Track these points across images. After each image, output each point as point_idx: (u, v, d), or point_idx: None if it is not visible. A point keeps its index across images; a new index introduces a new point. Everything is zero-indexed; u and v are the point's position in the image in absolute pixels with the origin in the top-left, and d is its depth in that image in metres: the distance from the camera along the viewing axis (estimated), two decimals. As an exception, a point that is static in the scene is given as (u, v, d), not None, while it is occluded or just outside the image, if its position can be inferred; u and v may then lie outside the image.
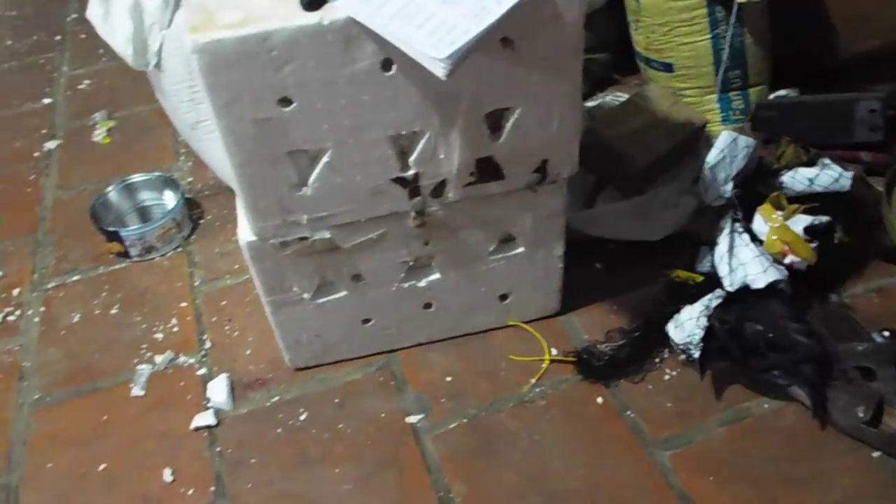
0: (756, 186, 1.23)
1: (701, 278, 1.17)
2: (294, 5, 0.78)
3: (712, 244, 1.18)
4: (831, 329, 1.10)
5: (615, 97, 1.49)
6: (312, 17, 0.77)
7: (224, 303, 1.26)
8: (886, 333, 1.06)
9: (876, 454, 0.97)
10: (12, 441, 1.08)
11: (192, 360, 1.17)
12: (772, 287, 1.09)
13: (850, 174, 1.20)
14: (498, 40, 0.82)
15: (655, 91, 1.34)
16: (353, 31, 0.78)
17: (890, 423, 0.97)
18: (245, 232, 0.95)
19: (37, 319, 1.26)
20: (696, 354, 1.05)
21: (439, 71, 0.74)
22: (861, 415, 0.97)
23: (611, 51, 1.61)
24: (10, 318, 1.27)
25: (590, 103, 1.48)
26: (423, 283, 1.06)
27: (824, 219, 1.16)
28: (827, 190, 1.20)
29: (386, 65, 0.81)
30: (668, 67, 1.43)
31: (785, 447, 0.99)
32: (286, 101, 0.82)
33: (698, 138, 1.32)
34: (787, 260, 1.13)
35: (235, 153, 0.85)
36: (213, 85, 0.78)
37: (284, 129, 0.84)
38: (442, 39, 0.73)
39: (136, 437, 1.07)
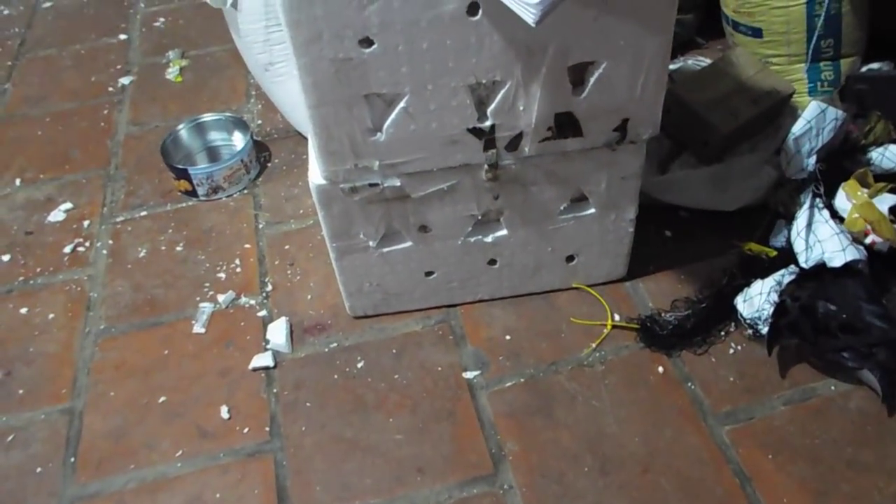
0: (841, 161, 1.18)
1: (774, 253, 1.13)
2: (383, -58, 0.76)
3: (790, 218, 1.14)
4: (911, 314, 1.05)
5: (697, 61, 1.43)
6: (401, -45, 0.75)
7: (287, 247, 1.27)
8: (969, 322, 1.02)
9: (948, 446, 0.94)
10: (78, 368, 1.11)
11: (253, 302, 1.18)
12: (849, 267, 1.04)
13: (945, 154, 1.14)
14: (591, -11, 0.79)
15: (741, 56, 1.28)
16: (442, -28, 0.75)
17: (966, 415, 0.93)
18: (315, 175, 0.94)
19: (105, 252, 1.29)
20: (764, 330, 1.02)
21: (529, 17, 0.71)
22: (935, 403, 0.93)
23: (696, 13, 1.55)
24: (80, 249, 1.30)
25: (671, 66, 1.43)
26: (489, 239, 1.05)
27: (913, 199, 1.11)
28: (918, 169, 1.15)
29: (472, 9, 0.78)
30: (756, 32, 1.36)
31: (850, 431, 0.96)
32: (367, 42, 0.80)
33: (783, 108, 1.26)
34: (868, 239, 1.08)
35: (312, 93, 0.84)
36: (295, 21, 0.77)
37: (363, 71, 0.82)
38: (534, -17, 0.71)
39: (196, 372, 1.09)
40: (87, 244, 1.31)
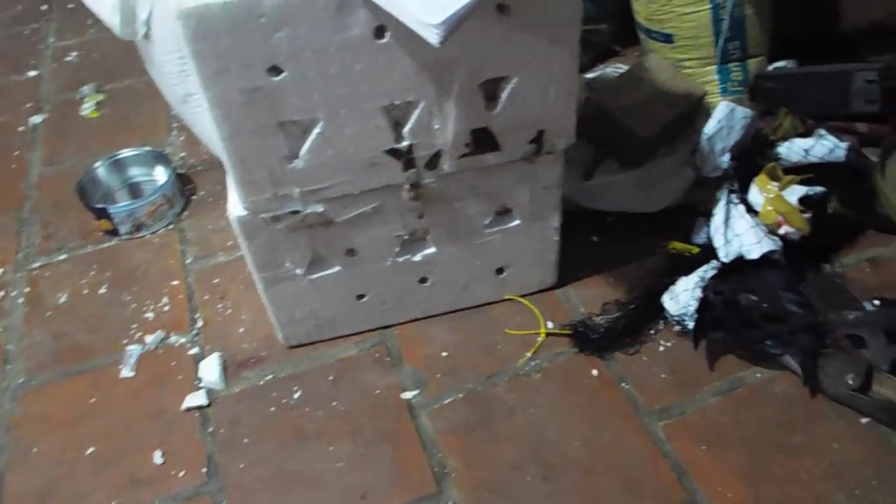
0: (753, 157, 1.22)
1: (697, 250, 1.16)
2: (283, -30, 0.76)
3: (709, 216, 1.17)
4: (824, 298, 1.10)
5: (615, 69, 1.46)
6: (303, -18, 0.75)
7: (217, 280, 1.24)
8: (877, 302, 1.07)
9: (865, 420, 0.98)
10: (-2, 425, 1.06)
11: (183, 340, 1.15)
12: (766, 258, 1.09)
13: (845, 145, 1.20)
14: (494, 7, 0.80)
15: (655, 62, 1.32)
16: (346, -3, 0.76)
17: (879, 390, 0.97)
18: (235, 206, 0.93)
19: (21, 300, 1.24)
20: (691, 325, 1.05)
21: (432, 38, 0.72)
22: (851, 382, 0.97)
23: (611, 21, 1.59)
24: (-6, 299, 1.25)
25: (590, 74, 1.46)
26: (418, 258, 1.05)
27: (819, 189, 1.16)
28: (822, 161, 1.20)
29: (379, 32, 0.79)
30: (668, 38, 1.41)
31: (777, 416, 0.99)
32: (276, 70, 0.79)
33: (698, 109, 1.30)
34: (782, 230, 1.13)
35: (224, 125, 0.83)
36: (200, 53, 0.76)
37: (275, 100, 0.82)
38: (435, 5, 0.71)
39: (126, 419, 1.05)
40: (2, 293, 1.25)
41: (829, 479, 0.92)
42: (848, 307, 1.07)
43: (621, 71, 1.45)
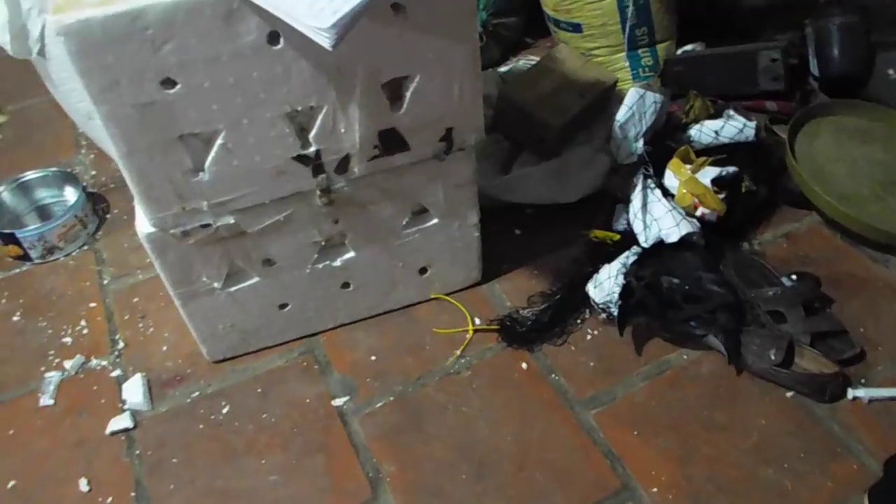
0: (666, 141, 1.24)
1: (618, 236, 1.18)
2: (166, -21, 0.73)
3: (627, 202, 1.19)
4: (743, 276, 1.12)
5: (528, 61, 1.47)
6: (187, -9, 0.73)
7: (136, 299, 1.20)
8: (794, 277, 1.10)
9: (789, 394, 1.00)
10: None
11: (104, 363, 1.12)
12: (685, 240, 1.10)
13: (753, 124, 1.23)
14: (389, 6, 0.79)
15: (565, 52, 1.33)
16: (234, 4, 0.74)
17: (801, 364, 1.00)
18: (143, 224, 0.90)
19: (-74, 335, 1.18)
20: (616, 312, 1.06)
21: (324, 41, 0.71)
22: (773, 357, 0.99)
23: (520, 14, 1.60)
24: None
25: (502, 68, 1.47)
26: (337, 263, 1.03)
27: (731, 169, 1.18)
28: (733, 141, 1.23)
29: (273, 38, 0.77)
30: (576, 28, 1.42)
31: (704, 395, 1.01)
32: (170, 83, 0.77)
33: (609, 97, 1.32)
34: (698, 212, 1.15)
35: (120, 142, 0.80)
36: (86, 69, 0.73)
37: (171, 113, 0.79)
38: (325, 9, 0.70)
39: (47, 448, 1.01)
40: None
41: (756, 454, 0.94)
42: (766, 283, 1.10)
43: (533, 63, 1.47)
